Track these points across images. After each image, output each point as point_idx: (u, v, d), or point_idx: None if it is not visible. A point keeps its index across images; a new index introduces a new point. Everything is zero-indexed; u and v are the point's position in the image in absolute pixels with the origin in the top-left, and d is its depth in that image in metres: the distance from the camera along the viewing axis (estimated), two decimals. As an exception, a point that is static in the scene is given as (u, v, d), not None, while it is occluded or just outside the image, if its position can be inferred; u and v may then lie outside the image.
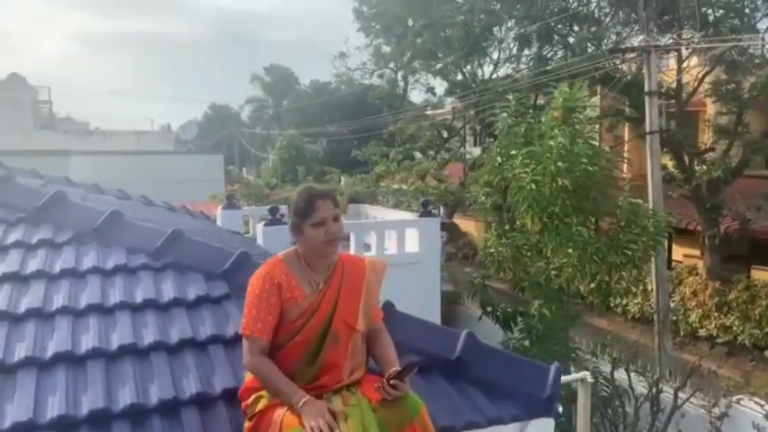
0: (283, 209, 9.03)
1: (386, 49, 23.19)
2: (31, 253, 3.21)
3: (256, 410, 2.21)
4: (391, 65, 24.26)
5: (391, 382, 2.15)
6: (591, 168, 7.09)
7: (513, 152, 7.58)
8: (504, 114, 7.71)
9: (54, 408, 2.26)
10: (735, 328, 13.18)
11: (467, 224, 22.77)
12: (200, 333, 2.79)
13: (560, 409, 2.85)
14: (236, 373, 2.58)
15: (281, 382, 2.16)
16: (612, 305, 15.63)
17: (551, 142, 7.13)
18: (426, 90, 23.99)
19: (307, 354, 2.25)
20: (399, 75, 24.80)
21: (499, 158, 7.72)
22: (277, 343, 2.26)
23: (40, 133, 25.11)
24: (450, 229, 21.27)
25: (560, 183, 7.03)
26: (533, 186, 7.22)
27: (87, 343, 2.60)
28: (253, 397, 2.25)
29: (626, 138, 16.99)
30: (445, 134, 22.07)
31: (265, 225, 7.96)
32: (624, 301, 15.45)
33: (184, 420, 2.35)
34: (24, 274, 3.00)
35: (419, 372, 2.83)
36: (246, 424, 2.25)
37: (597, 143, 7.82)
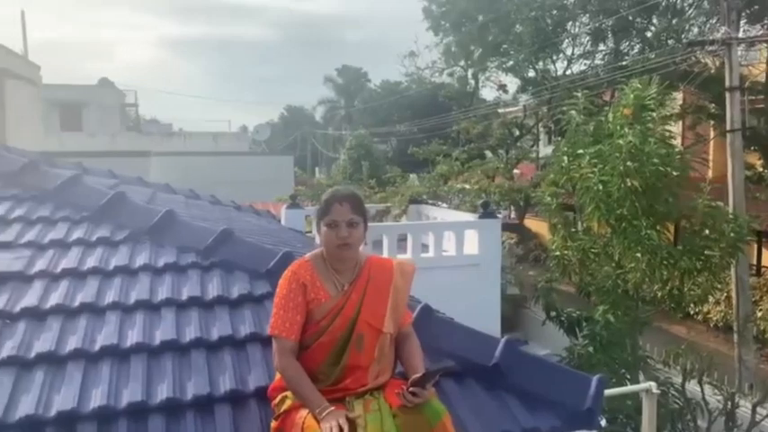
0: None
1: (455, 47, 22.98)
2: (90, 250, 3.39)
3: (282, 411, 2.24)
4: (461, 63, 24.01)
5: (410, 389, 2.11)
6: (663, 169, 6.74)
7: (581, 151, 7.32)
8: (573, 112, 7.44)
9: (96, 399, 2.37)
10: (830, 340, 12.18)
11: (538, 225, 22.20)
12: (239, 331, 2.86)
13: (603, 422, 2.72)
14: (271, 372, 2.61)
15: (306, 388, 2.17)
16: (693, 312, 14.84)
17: (621, 141, 6.83)
18: (497, 88, 23.63)
19: (331, 355, 2.26)
20: (470, 72, 24.52)
21: (566, 158, 7.48)
22: (302, 344, 2.28)
23: (126, 135, 26.61)
24: (520, 231, 20.83)
25: (629, 184, 6.73)
26: (601, 187, 6.95)
27: (132, 338, 2.72)
28: (279, 397, 2.29)
29: (710, 136, 16.07)
30: (516, 133, 21.61)
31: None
32: (705, 308, 14.61)
33: (217, 416, 2.41)
34: (81, 271, 3.17)
35: (454, 377, 2.79)
36: (273, 423, 2.28)
37: (673, 142, 7.40)
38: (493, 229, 8.06)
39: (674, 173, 6.74)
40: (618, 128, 6.84)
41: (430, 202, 11.26)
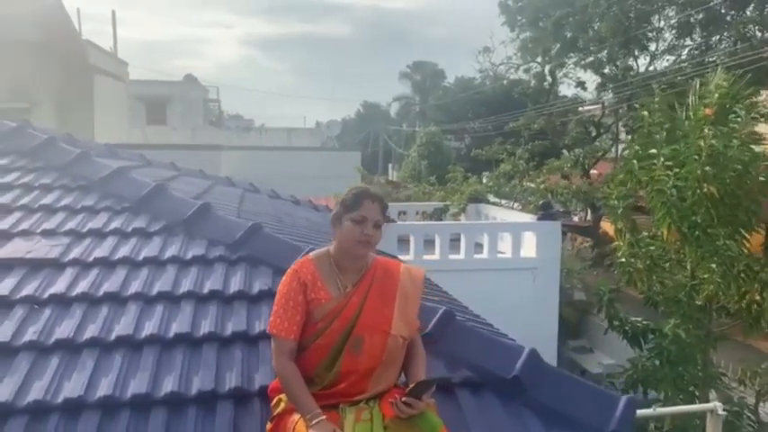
0: (406, 206, 8.93)
1: (532, 42, 22.33)
2: (124, 240, 3.47)
3: (277, 413, 2.18)
4: (538, 59, 23.30)
5: (404, 399, 1.99)
6: (747, 175, 6.19)
7: (653, 151, 6.85)
8: (645, 112, 6.98)
9: (104, 388, 2.40)
10: None
11: (613, 229, 21.23)
12: (254, 327, 2.83)
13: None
14: (279, 372, 2.56)
15: (299, 392, 2.09)
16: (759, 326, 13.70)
17: (701, 143, 6.32)
18: (576, 84, 22.78)
19: (327, 358, 2.17)
20: (546, 69, 23.76)
21: (635, 161, 7.02)
22: (301, 344, 2.21)
23: (206, 129, 27.68)
24: (594, 234, 19.99)
25: (706, 189, 6.23)
26: (675, 192, 6.47)
27: (148, 329, 2.74)
28: (276, 398, 2.23)
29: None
30: (593, 131, 20.74)
31: None
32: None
33: (218, 413, 2.38)
34: (112, 260, 3.25)
35: (471, 389, 2.63)
36: (268, 425, 2.22)
37: (765, 145, 6.75)
38: (552, 231, 7.70)
39: (759, 178, 6.16)
40: (697, 128, 6.33)
41: (492, 201, 10.95)
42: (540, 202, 8.44)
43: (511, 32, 23.03)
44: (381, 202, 2.27)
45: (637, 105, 16.88)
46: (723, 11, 15.29)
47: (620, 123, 21.67)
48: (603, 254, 20.33)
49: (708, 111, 6.45)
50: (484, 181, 14.90)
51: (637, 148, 7.22)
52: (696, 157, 6.33)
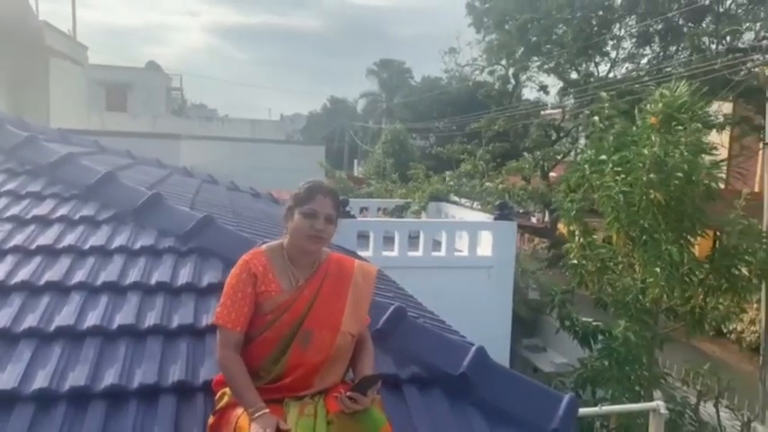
0: (368, 202, 8.93)
1: (497, 45, 22.59)
2: (71, 228, 3.37)
3: (220, 406, 2.15)
4: (503, 61, 23.58)
5: (349, 393, 1.99)
6: (690, 182, 6.40)
7: (603, 157, 7.03)
8: (596, 118, 7.14)
9: (39, 381, 2.32)
10: None
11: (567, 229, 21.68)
12: (201, 321, 2.79)
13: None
14: (225, 366, 2.53)
15: (243, 385, 2.07)
16: (726, 331, 14.21)
17: (645, 150, 6.52)
18: (539, 88, 23.13)
19: (274, 351, 2.15)
20: (510, 72, 24.06)
21: (587, 166, 7.19)
22: (248, 336, 2.19)
23: (167, 118, 27.10)
24: (550, 235, 20.37)
25: (652, 196, 6.42)
26: (622, 197, 6.65)
27: (91, 320, 2.67)
28: (220, 392, 2.20)
29: (758, 148, 15.34)
30: (554, 135, 21.11)
31: None
32: (739, 328, 14.01)
33: (160, 407, 2.33)
34: (57, 248, 3.15)
35: (418, 385, 2.65)
36: (210, 419, 2.19)
37: (714, 153, 6.95)
38: (508, 231, 7.82)
39: (701, 186, 6.39)
40: (644, 136, 6.52)
41: (453, 200, 11.06)
42: (498, 203, 8.54)
43: (477, 34, 23.28)
44: (334, 196, 2.27)
45: (587, 111, 17.29)
46: (680, 22, 15.74)
47: (580, 128, 22.13)
48: (559, 255, 20.76)
49: (653, 119, 6.65)
50: (446, 180, 15.04)
51: (590, 152, 7.39)
52: (641, 164, 6.52)
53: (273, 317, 2.17)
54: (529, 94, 25.84)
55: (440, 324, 3.58)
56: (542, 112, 22.70)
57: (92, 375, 2.39)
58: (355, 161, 41.64)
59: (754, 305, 10.78)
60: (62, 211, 3.53)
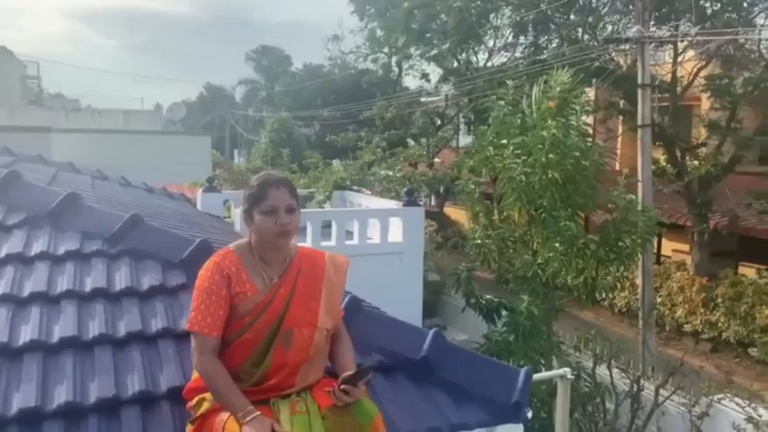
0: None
1: (380, 33, 22.87)
2: (-23, 236, 3.03)
3: (199, 413, 2.06)
4: (385, 49, 23.92)
5: (342, 387, 2.00)
6: (583, 162, 6.93)
7: (505, 141, 7.40)
8: (501, 102, 7.49)
9: (-20, 405, 2.09)
10: (720, 324, 13.14)
11: (457, 213, 22.61)
12: (150, 326, 2.63)
13: (530, 414, 2.71)
14: (186, 370, 2.42)
15: (228, 389, 2.00)
16: (599, 298, 15.58)
17: (544, 133, 6.94)
18: (421, 76, 23.73)
19: (255, 353, 2.09)
20: (393, 60, 24.48)
21: (491, 148, 7.53)
22: (225, 340, 2.10)
23: (26, 109, 24.68)
24: (439, 219, 21.13)
25: (550, 175, 6.87)
26: (524, 178, 7.05)
27: (26, 335, 2.44)
28: (197, 399, 2.10)
29: (619, 131, 16.85)
30: (438, 122, 21.82)
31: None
32: (611, 295, 15.39)
33: (124, 421, 2.20)
34: (-34, 259, 2.83)
35: (383, 372, 2.69)
36: (189, 428, 2.10)
37: (590, 136, 7.63)
38: (416, 216, 8.04)
39: (593, 166, 6.93)
40: (541, 120, 6.94)
41: (355, 188, 11.13)
42: (405, 189, 8.73)
43: (360, 21, 23.39)
44: (288, 184, 2.20)
45: (471, 98, 18.06)
46: (550, 13, 16.77)
47: (461, 115, 23.05)
48: (447, 236, 21.63)
49: (551, 104, 7.11)
50: (348, 168, 15.03)
51: (491, 137, 7.75)
52: (540, 146, 6.96)
53: (251, 318, 2.10)
54: (411, 81, 26.46)
55: (378, 311, 3.64)
56: (422, 99, 23.36)
57: (40, 394, 2.19)
58: (236, 151, 40.43)
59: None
60: (-38, 216, 3.16)
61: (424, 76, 23.40)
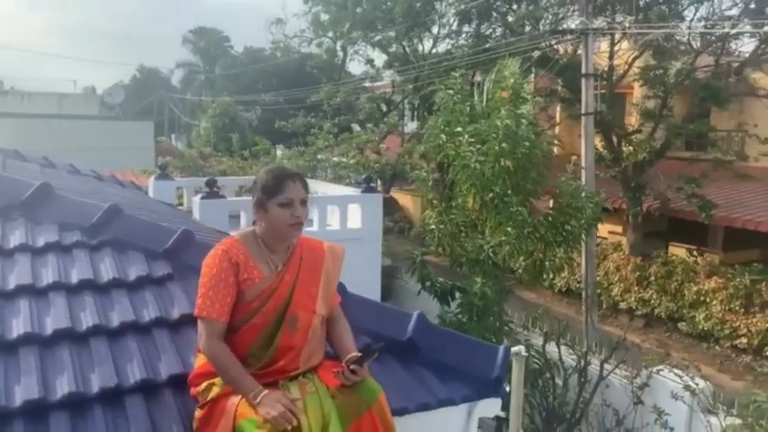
0: (224, 180, 8.74)
1: (325, 17, 22.70)
2: (-51, 228, 2.95)
3: (209, 398, 2.13)
4: (330, 34, 23.76)
5: (351, 367, 2.12)
6: (533, 150, 7.23)
7: (459, 129, 7.60)
8: (451, 91, 7.68)
9: (-17, 399, 2.10)
10: (653, 301, 13.97)
11: (403, 198, 22.93)
12: (142, 316, 2.66)
13: (508, 388, 2.91)
14: (183, 358, 2.48)
15: (237, 372, 2.08)
16: (542, 279, 16.21)
17: (498, 122, 7.18)
18: (366, 62, 23.75)
19: (262, 337, 2.18)
20: (338, 45, 24.37)
21: (444, 136, 7.73)
22: (232, 325, 2.18)
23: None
24: (387, 204, 21.36)
25: (503, 163, 7.13)
26: (478, 166, 7.28)
27: (18, 328, 2.43)
28: (205, 384, 2.17)
29: (557, 118, 17.46)
30: (384, 108, 21.94)
31: (202, 198, 7.56)
32: (552, 275, 16.05)
33: (128, 409, 2.24)
34: (-57, 252, 2.76)
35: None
36: (198, 412, 2.17)
37: (538, 125, 7.94)
38: (375, 203, 8.17)
39: (542, 154, 7.25)
40: (495, 109, 7.18)
41: (309, 175, 11.13)
42: (363, 176, 8.82)
43: (305, 5, 23.15)
44: (302, 178, 2.31)
45: (417, 85, 18.26)
46: (493, 2, 17.09)
47: (406, 101, 23.25)
48: (395, 221, 21.90)
49: (504, 94, 7.37)
50: (278, 153, 14.88)
51: (443, 125, 7.95)
52: (494, 135, 7.22)
53: (259, 303, 2.19)
54: (356, 67, 26.42)
55: (361, 296, 3.75)
56: (366, 84, 23.40)
57: (43, 386, 2.21)
58: (173, 135, 39.32)
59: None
60: (-70, 209, 3.06)
61: (369, 61, 23.46)
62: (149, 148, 15.75)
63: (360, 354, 2.18)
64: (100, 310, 2.62)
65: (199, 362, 2.25)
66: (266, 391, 2.02)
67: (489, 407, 2.85)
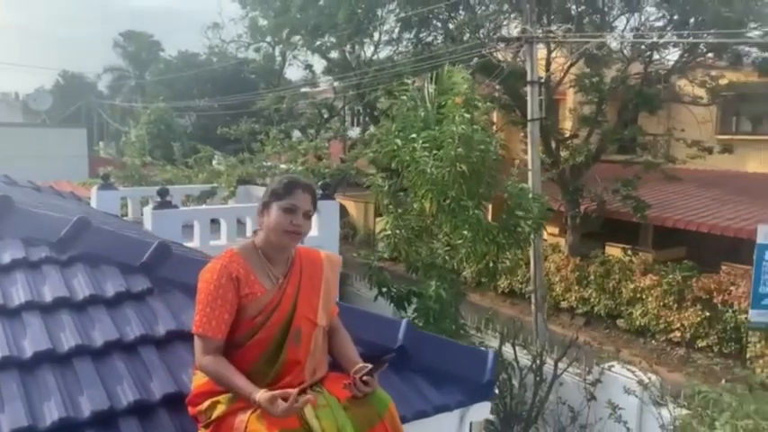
0: (171, 190, 8.44)
1: (263, 22, 22.37)
2: None
3: (213, 417, 2.05)
4: (268, 39, 23.43)
5: (364, 378, 2.09)
6: (486, 154, 7.38)
7: (414, 135, 7.67)
8: (404, 97, 7.74)
9: (-34, 431, 1.94)
10: (592, 299, 14.51)
11: (346, 204, 22.86)
12: (126, 334, 2.54)
13: (496, 391, 2.95)
14: (175, 377, 2.39)
15: (238, 379, 2.02)
16: (485, 281, 16.56)
17: (453, 128, 7.29)
18: (305, 67, 23.57)
19: (267, 352, 2.13)
20: (277, 50, 24.07)
21: (399, 141, 7.78)
22: (235, 342, 2.11)
23: None
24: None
25: (459, 167, 7.24)
26: (435, 171, 7.37)
27: (-6, 351, 2.26)
28: (208, 402, 2.09)
29: (497, 124, 17.91)
30: (326, 114, 21.84)
31: (154, 208, 7.24)
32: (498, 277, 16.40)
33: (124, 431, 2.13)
34: None
35: (363, 361, 2.80)
36: (203, 431, 2.08)
37: (489, 130, 8.14)
38: (332, 210, 8.10)
39: (494, 158, 7.42)
40: (449, 115, 7.29)
41: (259, 183, 10.93)
42: (320, 183, 8.72)
43: (242, 9, 22.74)
44: (313, 191, 2.28)
45: (360, 91, 18.32)
46: (436, 11, 17.35)
47: (347, 107, 23.24)
48: (340, 227, 21.76)
49: (458, 100, 7.49)
50: (214, 162, 14.54)
51: (397, 131, 8.00)
52: (450, 140, 7.33)
53: (263, 318, 2.13)
54: (294, 72, 26.20)
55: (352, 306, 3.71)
56: (306, 90, 23.25)
57: (29, 413, 2.07)
58: (101, 143, 37.74)
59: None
60: None
61: (308, 67, 23.28)
62: (83, 156, 14.98)
63: (370, 365, 2.16)
64: (80, 330, 2.49)
65: (197, 381, 2.16)
66: (270, 393, 1.93)
67: (480, 411, 2.88)
